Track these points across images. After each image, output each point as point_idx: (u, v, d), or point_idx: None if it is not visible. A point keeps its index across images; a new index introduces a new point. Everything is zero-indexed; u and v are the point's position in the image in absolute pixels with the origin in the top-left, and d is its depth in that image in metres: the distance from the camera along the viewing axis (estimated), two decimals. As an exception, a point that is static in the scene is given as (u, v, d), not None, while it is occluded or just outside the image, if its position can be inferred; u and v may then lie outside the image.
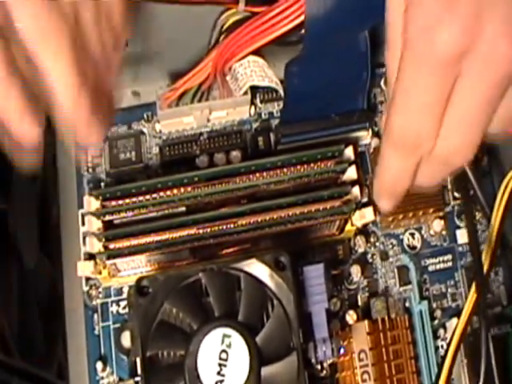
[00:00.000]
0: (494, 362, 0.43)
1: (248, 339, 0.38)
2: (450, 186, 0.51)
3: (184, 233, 0.44)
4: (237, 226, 0.45)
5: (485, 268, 0.42)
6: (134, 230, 0.45)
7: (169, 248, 0.44)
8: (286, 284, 0.40)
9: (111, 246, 0.44)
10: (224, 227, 0.45)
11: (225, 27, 0.48)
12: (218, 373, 0.38)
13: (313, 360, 0.40)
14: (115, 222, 0.46)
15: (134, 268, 0.46)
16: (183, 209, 0.46)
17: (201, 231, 0.44)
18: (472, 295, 0.42)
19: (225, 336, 0.38)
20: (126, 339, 0.44)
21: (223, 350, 0.38)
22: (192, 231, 0.44)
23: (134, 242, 0.44)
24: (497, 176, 0.51)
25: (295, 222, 0.45)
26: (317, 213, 0.45)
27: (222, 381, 0.38)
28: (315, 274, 0.42)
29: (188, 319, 0.40)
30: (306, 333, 0.40)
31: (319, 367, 0.42)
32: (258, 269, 0.40)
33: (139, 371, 0.39)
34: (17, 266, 0.41)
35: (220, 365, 0.38)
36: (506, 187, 0.43)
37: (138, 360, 0.39)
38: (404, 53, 0.30)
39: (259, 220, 0.45)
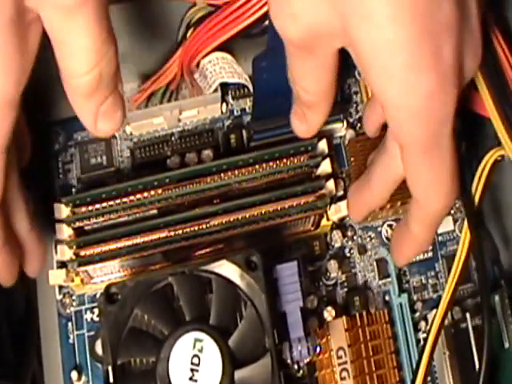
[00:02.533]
0: (475, 351, 0.43)
1: (220, 342, 0.38)
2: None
3: (155, 236, 0.44)
4: (209, 227, 0.44)
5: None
6: (104, 236, 0.44)
7: (140, 252, 0.44)
8: (257, 284, 0.39)
9: (82, 253, 0.44)
10: (196, 228, 0.44)
11: (191, 24, 0.47)
12: (190, 378, 0.37)
13: (288, 360, 0.39)
14: (86, 228, 0.45)
15: (107, 274, 0.46)
16: (155, 211, 0.45)
17: (172, 233, 0.44)
18: (450, 283, 0.41)
19: (196, 340, 0.38)
20: (100, 347, 0.43)
21: (195, 355, 0.37)
22: (164, 234, 0.44)
23: (105, 248, 0.44)
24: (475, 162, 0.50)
25: (269, 219, 0.44)
26: (290, 209, 0.44)
27: (194, 386, 0.37)
28: (288, 272, 0.41)
29: (159, 325, 0.39)
30: (281, 333, 0.39)
31: (296, 367, 0.41)
32: (228, 270, 0.40)
33: (111, 379, 0.38)
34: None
35: (192, 370, 0.37)
36: (481, 174, 0.42)
37: (110, 368, 0.39)
38: None
39: (232, 219, 0.44)
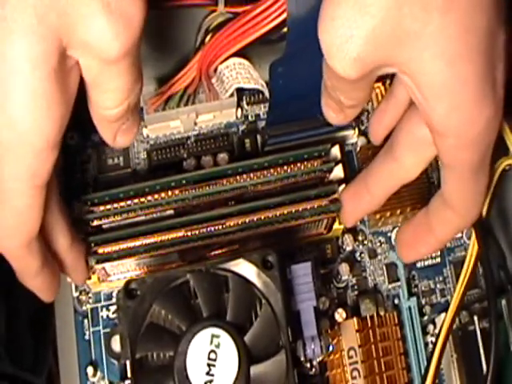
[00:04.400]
0: (482, 354, 0.44)
1: (236, 339, 0.39)
2: (436, 182, 0.51)
3: (172, 235, 0.45)
4: (225, 228, 0.45)
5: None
6: (122, 234, 0.45)
7: (157, 251, 0.45)
8: (273, 283, 0.40)
9: (100, 250, 0.45)
10: (212, 229, 0.45)
11: (210, 30, 0.48)
12: (207, 373, 0.38)
13: (302, 358, 0.40)
14: (104, 226, 0.46)
15: (124, 272, 0.47)
16: (171, 212, 0.46)
17: (189, 233, 0.45)
18: (459, 288, 0.42)
19: (213, 336, 0.39)
20: (116, 343, 0.44)
21: (212, 350, 0.38)
22: (180, 234, 0.45)
23: (123, 245, 0.45)
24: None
25: (283, 221, 0.45)
26: (304, 212, 0.45)
27: (211, 381, 0.38)
28: (303, 272, 0.42)
29: (177, 320, 0.40)
30: (295, 331, 0.40)
31: (308, 365, 0.42)
32: (245, 268, 0.41)
33: (129, 374, 0.39)
34: (4, 271, 0.41)
35: (209, 365, 0.38)
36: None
37: (128, 363, 0.39)
38: None
39: (247, 221, 0.45)
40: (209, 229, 0.45)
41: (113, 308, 0.47)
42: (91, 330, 0.47)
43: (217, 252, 0.46)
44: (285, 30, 0.45)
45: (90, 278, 0.46)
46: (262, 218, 0.45)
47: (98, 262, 0.45)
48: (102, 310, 0.47)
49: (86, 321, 0.47)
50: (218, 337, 0.39)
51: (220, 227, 0.45)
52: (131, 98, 0.37)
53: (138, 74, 0.36)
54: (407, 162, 0.40)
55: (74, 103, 0.35)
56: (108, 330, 0.47)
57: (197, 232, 0.45)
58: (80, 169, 0.50)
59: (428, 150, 0.39)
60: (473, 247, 0.42)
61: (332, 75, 0.35)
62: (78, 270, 0.44)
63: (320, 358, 0.41)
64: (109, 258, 0.45)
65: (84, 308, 0.47)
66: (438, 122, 0.34)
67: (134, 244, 0.45)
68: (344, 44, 0.32)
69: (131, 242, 0.45)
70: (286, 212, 0.45)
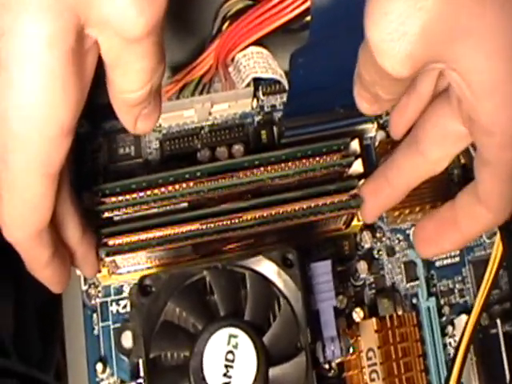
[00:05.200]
0: (505, 358, 0.43)
1: (255, 339, 0.37)
2: (456, 179, 0.50)
3: (186, 228, 0.43)
4: (241, 221, 0.44)
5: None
6: (134, 227, 0.43)
7: (170, 244, 0.43)
8: (293, 282, 0.39)
9: (110, 242, 0.43)
10: (228, 222, 0.44)
11: (227, 17, 0.46)
12: (225, 374, 0.37)
13: (321, 359, 0.39)
14: (115, 218, 0.44)
15: (134, 264, 0.45)
16: (185, 204, 0.45)
17: (204, 226, 0.43)
18: (482, 291, 0.41)
19: (231, 336, 0.37)
20: (126, 339, 0.43)
21: (229, 351, 0.37)
22: (195, 227, 0.43)
23: (134, 238, 0.43)
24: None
25: (301, 216, 0.44)
26: (324, 207, 0.44)
27: (228, 382, 0.36)
28: (323, 270, 0.41)
29: (192, 319, 0.38)
30: (314, 331, 0.39)
31: (327, 366, 0.41)
32: (264, 266, 0.39)
33: (142, 373, 0.38)
34: (12, 266, 0.40)
35: (226, 366, 0.37)
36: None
37: (141, 361, 0.38)
38: None
39: (265, 215, 0.44)
40: (224, 222, 0.43)
41: (123, 303, 0.46)
42: (100, 324, 0.45)
43: (231, 246, 0.45)
44: (307, 18, 0.43)
45: (100, 271, 0.44)
46: (280, 211, 0.44)
47: (108, 255, 0.43)
48: (111, 305, 0.46)
49: (95, 315, 0.46)
50: (235, 337, 0.37)
51: (236, 221, 0.44)
52: (154, 81, 0.34)
53: (162, 55, 0.34)
54: (433, 156, 0.39)
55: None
56: (118, 325, 0.45)
57: (212, 225, 0.43)
58: (90, 158, 0.49)
59: (456, 145, 0.38)
60: (497, 248, 0.41)
61: (375, 71, 0.34)
62: (88, 263, 0.42)
63: (339, 360, 0.40)
64: (119, 250, 0.43)
65: (93, 302, 0.46)
66: (487, 119, 0.33)
67: (146, 236, 0.43)
68: (396, 41, 0.30)
69: (143, 235, 0.43)
70: (305, 207, 0.44)
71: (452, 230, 0.40)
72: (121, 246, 0.43)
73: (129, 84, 0.34)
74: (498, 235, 0.41)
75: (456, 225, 0.39)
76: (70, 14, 0.30)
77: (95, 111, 0.48)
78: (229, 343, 0.37)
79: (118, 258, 0.44)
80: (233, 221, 0.43)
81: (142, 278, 0.39)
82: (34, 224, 0.35)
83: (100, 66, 0.34)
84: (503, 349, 0.42)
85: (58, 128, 0.32)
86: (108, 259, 0.43)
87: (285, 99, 0.49)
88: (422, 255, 0.45)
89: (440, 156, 0.39)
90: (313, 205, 0.44)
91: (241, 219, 0.43)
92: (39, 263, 0.37)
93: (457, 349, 0.40)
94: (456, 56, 0.31)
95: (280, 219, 0.44)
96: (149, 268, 0.46)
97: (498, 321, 0.44)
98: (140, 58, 0.33)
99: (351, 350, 0.40)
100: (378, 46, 0.31)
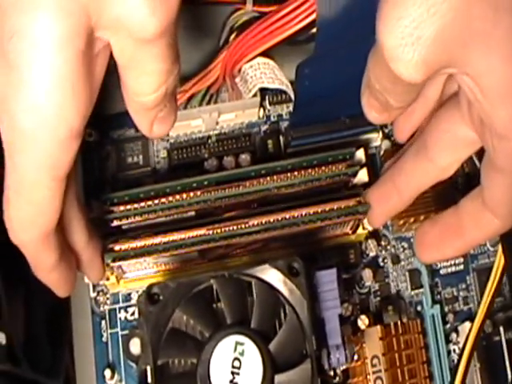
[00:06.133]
0: (508, 364, 0.43)
1: (261, 346, 0.38)
2: (460, 188, 0.50)
3: (193, 234, 0.43)
4: (248, 227, 0.44)
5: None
6: (140, 233, 0.44)
7: (177, 250, 0.43)
8: (299, 290, 0.39)
9: (116, 247, 0.43)
10: (234, 228, 0.44)
11: (234, 28, 0.47)
12: (231, 381, 0.37)
13: (326, 366, 0.40)
14: (123, 227, 0.45)
15: (141, 269, 0.46)
16: (192, 213, 0.45)
17: (210, 232, 0.43)
18: (486, 298, 0.42)
19: (237, 343, 0.38)
20: (134, 346, 0.43)
21: (236, 358, 0.38)
22: (201, 232, 0.43)
23: (141, 243, 0.43)
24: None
25: (308, 222, 0.44)
26: (331, 213, 0.44)
27: (235, 389, 0.37)
28: (328, 279, 0.41)
29: (199, 326, 0.39)
30: (319, 339, 0.40)
31: (332, 373, 0.42)
32: (270, 275, 0.40)
33: (150, 380, 0.38)
34: (22, 273, 0.40)
35: (233, 373, 0.37)
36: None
37: (149, 368, 0.39)
38: None
39: (271, 220, 0.44)
40: (231, 228, 0.44)
41: (131, 310, 0.47)
42: (109, 331, 0.46)
43: (238, 251, 0.45)
44: (313, 30, 0.44)
45: (108, 279, 0.45)
46: (288, 217, 0.44)
47: (114, 260, 0.43)
48: (119, 312, 0.47)
49: (103, 322, 0.46)
50: (242, 344, 0.38)
51: (242, 226, 0.44)
52: (169, 82, 0.34)
53: (176, 56, 0.34)
54: (443, 162, 0.39)
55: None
56: (126, 332, 0.46)
57: (219, 231, 0.44)
58: (98, 167, 0.49)
59: (465, 150, 0.38)
60: (499, 260, 0.42)
61: (387, 78, 0.34)
62: (94, 268, 0.42)
63: (344, 367, 0.41)
64: (125, 256, 0.43)
65: (102, 309, 0.47)
66: (501, 124, 0.33)
67: (153, 242, 0.43)
68: (410, 45, 0.31)
69: (149, 240, 0.43)
70: (311, 212, 0.44)
71: (455, 236, 0.40)
72: (127, 252, 0.43)
73: (143, 86, 0.34)
74: (500, 246, 0.42)
75: (460, 231, 0.39)
76: (81, 15, 0.30)
77: (103, 121, 0.49)
78: (235, 350, 0.38)
79: (125, 264, 0.44)
80: (239, 226, 0.44)
81: (150, 286, 0.40)
82: (41, 226, 0.35)
83: (107, 74, 0.34)
84: (506, 355, 0.43)
85: (66, 130, 0.32)
86: (114, 265, 0.44)
87: (291, 109, 0.50)
88: (423, 260, 0.44)
89: (449, 162, 0.39)
90: (320, 210, 0.44)
91: (247, 225, 0.44)
92: (45, 266, 0.37)
93: (460, 355, 0.41)
94: (470, 60, 0.31)
95: (286, 225, 0.44)
96: (156, 272, 0.46)
97: (502, 328, 0.44)
98: (154, 59, 0.33)
99: (355, 357, 0.41)
100: (392, 51, 0.31)
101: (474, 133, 0.36)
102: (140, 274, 0.46)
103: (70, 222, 0.38)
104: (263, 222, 0.44)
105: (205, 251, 0.45)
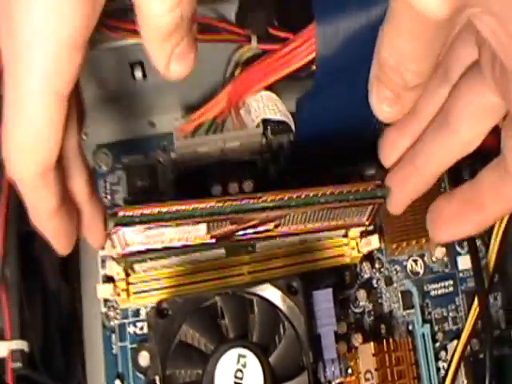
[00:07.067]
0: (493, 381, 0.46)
1: (262, 359, 0.41)
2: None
3: (202, 205, 0.41)
4: (259, 202, 0.42)
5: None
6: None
7: (184, 220, 0.41)
8: (297, 307, 0.42)
9: (121, 213, 0.40)
10: (247, 201, 0.42)
11: (239, 63, 0.50)
12: (234, 391, 0.40)
13: (322, 379, 0.43)
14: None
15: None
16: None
17: (220, 204, 0.42)
18: (471, 317, 0.45)
19: (240, 356, 0.41)
20: (143, 358, 0.47)
21: (239, 369, 0.41)
22: (211, 204, 0.41)
23: (146, 210, 0.41)
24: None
25: (327, 202, 0.42)
26: (348, 194, 0.42)
27: (237, 398, 0.40)
28: (324, 298, 0.44)
29: (205, 340, 0.42)
30: (316, 353, 0.43)
31: (327, 386, 0.45)
32: (270, 293, 0.43)
33: (158, 389, 0.41)
34: (41, 287, 0.43)
35: (236, 383, 0.40)
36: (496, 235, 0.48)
37: (157, 378, 0.42)
38: None
39: (285, 198, 0.42)
40: (243, 201, 0.42)
41: (140, 324, 0.49)
42: (119, 344, 0.49)
43: (246, 231, 0.45)
44: (313, 68, 0.47)
45: (118, 295, 0.47)
46: (303, 196, 0.42)
47: (116, 225, 0.40)
48: (129, 326, 0.49)
49: (113, 336, 0.49)
50: (244, 357, 0.41)
51: (254, 201, 0.42)
52: (184, 4, 0.32)
53: None
54: (467, 134, 0.37)
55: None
56: (135, 345, 0.49)
57: (229, 203, 0.42)
58: (110, 190, 0.52)
59: (488, 120, 0.36)
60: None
61: (407, 29, 0.31)
62: (95, 228, 0.40)
63: (338, 380, 0.43)
64: (129, 222, 0.40)
65: (112, 323, 0.49)
66: None
67: (159, 210, 0.41)
68: None
69: (155, 208, 0.41)
70: (328, 192, 0.42)
71: (475, 211, 0.37)
72: (131, 218, 0.41)
73: (155, 5, 0.31)
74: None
75: (479, 205, 0.37)
76: None
77: (115, 146, 0.53)
78: (238, 362, 0.41)
79: (128, 232, 0.41)
80: (251, 201, 0.42)
81: (160, 302, 0.43)
82: (40, 157, 0.33)
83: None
84: (491, 372, 0.46)
85: (67, 36, 0.31)
86: (116, 230, 0.41)
87: (292, 138, 0.53)
88: (438, 238, 0.40)
89: (473, 135, 0.37)
90: (337, 191, 0.42)
91: (260, 200, 0.42)
92: (45, 211, 0.36)
93: (447, 371, 0.44)
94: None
95: (301, 204, 0.42)
96: (164, 288, 0.48)
97: (488, 346, 0.47)
98: None
99: (350, 372, 0.44)
100: None
101: (497, 97, 0.34)
102: (151, 290, 0.48)
103: (71, 166, 0.37)
104: (277, 198, 0.42)
105: (212, 225, 0.43)
